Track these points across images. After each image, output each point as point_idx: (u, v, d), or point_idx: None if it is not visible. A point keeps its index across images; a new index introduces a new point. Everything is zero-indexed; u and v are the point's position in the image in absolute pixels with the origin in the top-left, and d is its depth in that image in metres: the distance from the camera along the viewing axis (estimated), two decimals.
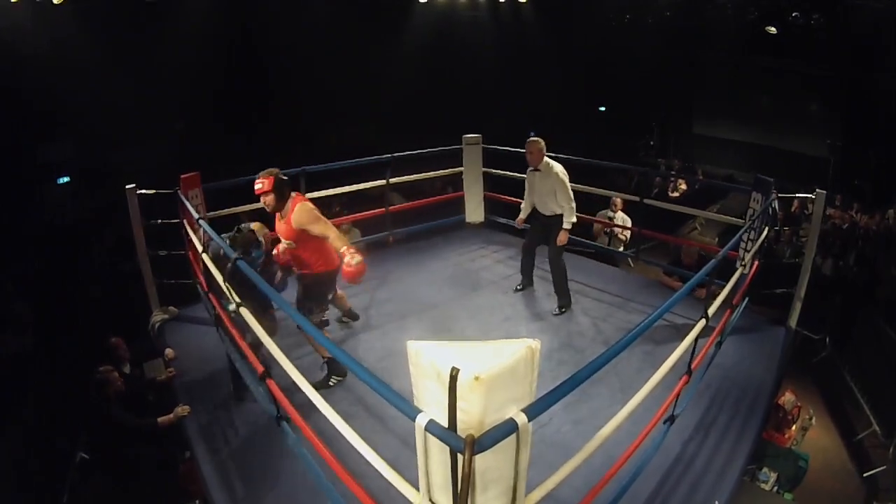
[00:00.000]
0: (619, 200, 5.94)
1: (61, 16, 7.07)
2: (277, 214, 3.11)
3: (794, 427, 4.10)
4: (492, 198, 5.57)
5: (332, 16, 9.59)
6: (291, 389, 2.13)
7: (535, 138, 4.12)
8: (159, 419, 3.48)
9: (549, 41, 11.13)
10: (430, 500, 1.24)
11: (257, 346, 2.50)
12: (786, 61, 10.10)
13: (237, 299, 2.54)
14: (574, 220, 4.06)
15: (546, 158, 4.12)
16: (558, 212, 4.08)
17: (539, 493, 1.44)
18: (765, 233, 3.71)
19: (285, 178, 3.08)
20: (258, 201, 4.43)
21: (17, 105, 6.92)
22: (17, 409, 4.31)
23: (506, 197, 5.37)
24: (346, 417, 1.80)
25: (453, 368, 1.02)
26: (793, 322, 4.02)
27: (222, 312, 2.83)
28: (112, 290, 5.58)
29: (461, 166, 5.45)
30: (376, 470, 1.59)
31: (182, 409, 3.25)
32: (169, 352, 3.69)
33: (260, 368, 2.31)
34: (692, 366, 2.46)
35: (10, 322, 5.12)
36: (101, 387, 3.47)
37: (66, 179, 8.24)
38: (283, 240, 3.14)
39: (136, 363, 4.09)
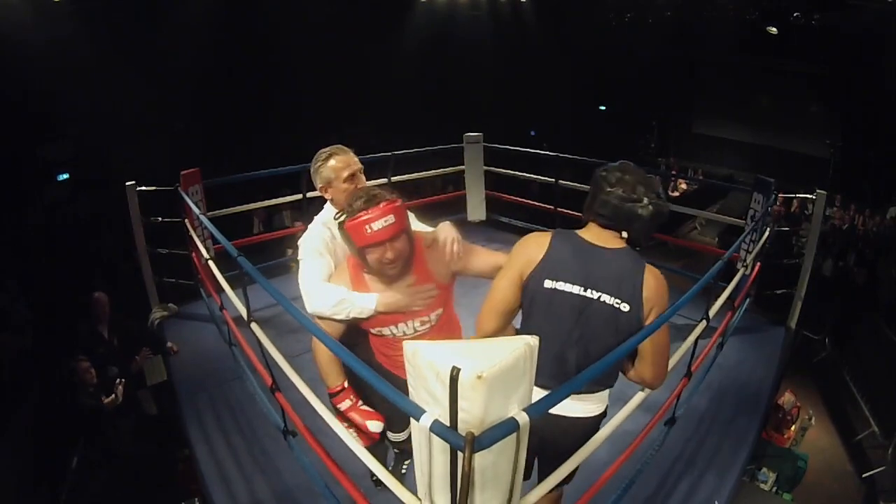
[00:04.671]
0: None
1: (61, 14, 7.06)
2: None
3: (793, 427, 4.11)
4: (493, 196, 5.57)
5: (333, 15, 9.58)
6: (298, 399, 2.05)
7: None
8: (104, 400, 3.60)
9: (549, 40, 11.13)
10: (431, 501, 1.23)
11: None
12: (786, 61, 10.11)
13: None
14: None
15: None
16: None
17: (538, 493, 1.43)
18: (766, 233, 3.70)
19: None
20: (256, 200, 4.46)
21: (17, 105, 6.91)
22: (17, 409, 4.31)
23: (507, 196, 5.37)
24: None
25: (454, 368, 1.02)
26: (793, 322, 4.01)
27: (235, 328, 2.80)
28: (112, 289, 5.58)
29: (462, 165, 5.45)
30: (374, 472, 1.59)
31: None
32: (172, 346, 3.69)
33: (269, 380, 2.31)
34: (692, 368, 2.45)
35: (10, 322, 5.12)
36: (70, 375, 3.49)
37: (65, 176, 8.24)
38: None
39: (118, 330, 4.10)
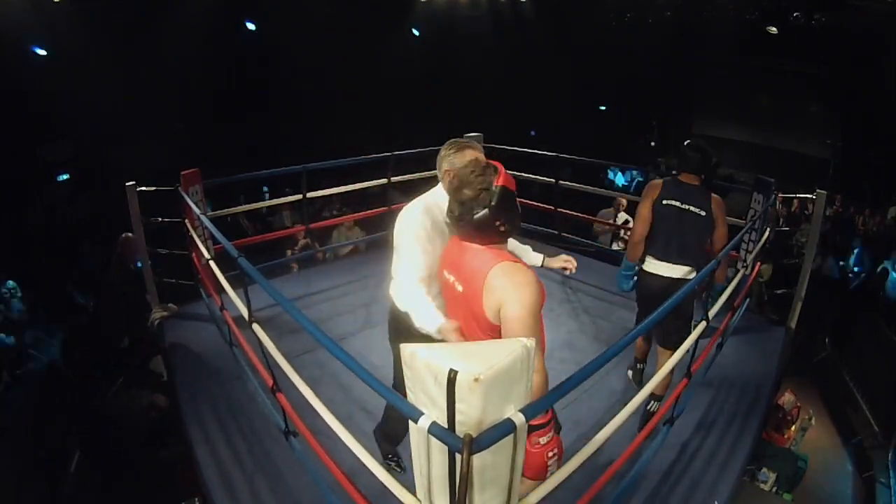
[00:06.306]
0: (623, 201, 5.96)
1: (61, 15, 7.06)
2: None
3: (793, 427, 4.10)
4: None
5: (333, 14, 9.57)
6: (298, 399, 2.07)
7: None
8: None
9: (549, 40, 11.12)
10: (430, 502, 1.23)
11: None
12: (786, 61, 10.10)
13: None
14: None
15: None
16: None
17: (538, 493, 1.44)
18: (766, 234, 3.70)
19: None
20: (257, 201, 4.48)
21: (17, 105, 6.91)
22: (17, 410, 4.32)
23: None
24: (344, 418, 1.79)
25: (451, 371, 1.02)
26: (793, 322, 4.01)
27: (236, 328, 2.81)
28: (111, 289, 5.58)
29: None
30: (374, 473, 1.59)
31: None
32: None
33: (270, 381, 2.31)
34: (692, 368, 2.45)
35: (10, 322, 5.12)
36: (149, 409, 3.51)
37: (65, 177, 8.25)
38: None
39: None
